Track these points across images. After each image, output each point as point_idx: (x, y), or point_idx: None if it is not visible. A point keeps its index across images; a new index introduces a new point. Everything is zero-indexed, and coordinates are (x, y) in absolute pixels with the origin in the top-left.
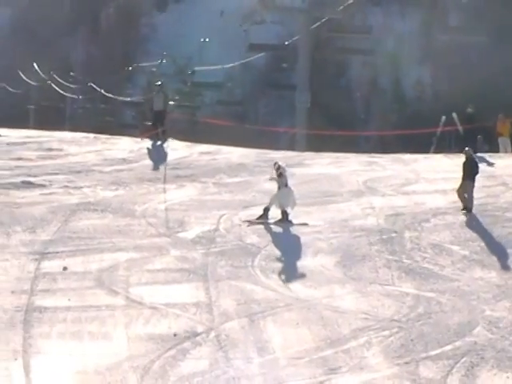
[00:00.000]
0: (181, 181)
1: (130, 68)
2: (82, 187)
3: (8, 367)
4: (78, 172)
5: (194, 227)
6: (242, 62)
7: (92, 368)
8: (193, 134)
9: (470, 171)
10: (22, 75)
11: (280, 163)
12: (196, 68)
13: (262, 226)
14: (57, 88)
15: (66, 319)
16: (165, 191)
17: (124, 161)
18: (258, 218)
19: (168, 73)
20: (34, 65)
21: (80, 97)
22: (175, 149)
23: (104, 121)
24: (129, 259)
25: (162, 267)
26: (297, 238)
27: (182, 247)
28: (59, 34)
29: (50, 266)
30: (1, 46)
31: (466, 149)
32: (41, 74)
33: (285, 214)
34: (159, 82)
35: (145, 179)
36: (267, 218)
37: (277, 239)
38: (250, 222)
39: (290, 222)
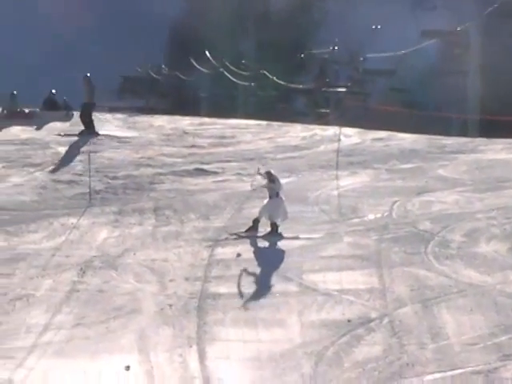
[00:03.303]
0: (353, 167)
1: (302, 55)
2: (254, 174)
3: (183, 354)
4: (251, 159)
5: (367, 214)
6: (414, 48)
7: (266, 355)
8: (365, 120)
9: None
10: (195, 63)
11: (272, 171)
12: (368, 55)
13: (436, 212)
14: (229, 75)
15: (239, 306)
16: (337, 178)
17: (296, 148)
18: (246, 231)
19: (340, 60)
20: (206, 52)
21: (252, 84)
22: (348, 135)
23: (276, 108)
24: (302, 246)
25: (335, 254)
26: (470, 224)
27: (355, 234)
28: (231, 21)
29: (224, 252)
30: (174, 35)
31: None
32: (213, 61)
33: (274, 226)
34: None
35: (317, 166)
36: (257, 231)
37: (450, 225)
38: (238, 235)
39: (280, 234)
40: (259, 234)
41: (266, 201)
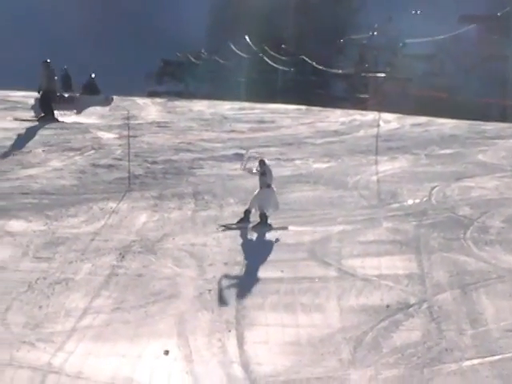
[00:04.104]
0: (393, 152)
1: (342, 40)
2: (294, 159)
3: (222, 339)
4: (290, 144)
5: (406, 199)
6: (453, 33)
7: (305, 339)
8: (404, 105)
9: None
10: (234, 48)
11: (265, 160)
12: (407, 40)
13: (475, 198)
14: (268, 60)
15: (278, 291)
16: (377, 163)
17: (336, 133)
18: (238, 222)
19: (379, 45)
20: (246, 37)
21: (291, 69)
22: (387, 121)
23: (315, 93)
24: (341, 231)
25: (374, 239)
26: (510, 210)
27: (394, 219)
28: (270, 7)
29: (263, 237)
30: (213, 20)
31: None
32: (252, 46)
33: (264, 217)
34: None
35: (356, 151)
36: (248, 222)
37: (490, 211)
38: (227, 227)
39: (270, 225)
40: (250, 225)
41: (257, 191)
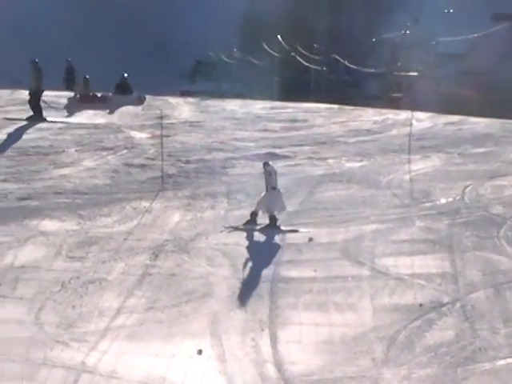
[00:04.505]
0: (425, 151)
1: (374, 39)
2: (326, 158)
3: (255, 338)
4: (323, 143)
5: (439, 198)
6: (486, 32)
7: (338, 338)
8: (437, 104)
9: None
10: (267, 47)
11: (270, 162)
12: (440, 39)
13: (508, 196)
14: (301, 60)
15: (311, 290)
16: (409, 162)
17: (368, 132)
18: (245, 224)
19: (411, 44)
20: (279, 37)
21: (324, 68)
22: (420, 119)
23: (348, 92)
24: (374, 230)
25: (406, 238)
26: None
27: (427, 218)
28: (302, 7)
29: (296, 236)
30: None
31: None
32: (285, 46)
33: (273, 219)
34: None
35: (389, 150)
36: (255, 224)
37: None
38: (235, 228)
39: (278, 227)
40: (257, 227)
41: (263, 193)
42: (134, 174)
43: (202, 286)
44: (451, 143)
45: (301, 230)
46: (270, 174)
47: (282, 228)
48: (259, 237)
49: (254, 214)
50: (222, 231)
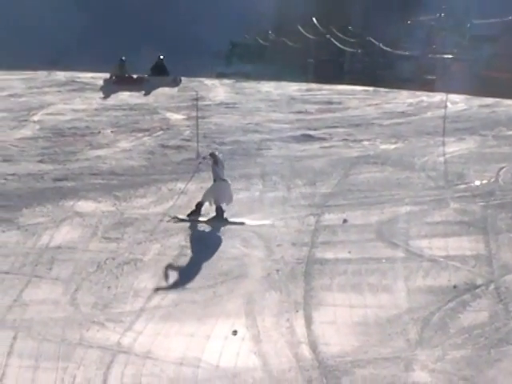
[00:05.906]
0: (460, 134)
1: (409, 22)
2: (361, 140)
3: (289, 319)
4: (358, 125)
5: (474, 180)
6: None
7: (372, 320)
8: (472, 86)
9: None
10: (302, 30)
11: (216, 153)
12: (474, 21)
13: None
14: (336, 42)
15: (346, 271)
16: (444, 144)
17: (403, 114)
18: (189, 214)
19: (446, 26)
20: (313, 19)
21: (359, 51)
22: (455, 102)
23: (382, 74)
24: (408, 212)
25: (441, 220)
26: None
27: (461, 200)
28: None
29: (330, 218)
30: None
31: None
32: (320, 28)
33: (220, 210)
34: None
35: (424, 132)
36: (199, 215)
37: None
38: (178, 219)
39: (226, 219)
40: (203, 219)
41: (210, 184)
42: (170, 155)
43: (237, 267)
44: (485, 125)
45: (247, 222)
46: (216, 165)
47: (230, 220)
48: (294, 219)
49: (199, 205)
50: (168, 221)
